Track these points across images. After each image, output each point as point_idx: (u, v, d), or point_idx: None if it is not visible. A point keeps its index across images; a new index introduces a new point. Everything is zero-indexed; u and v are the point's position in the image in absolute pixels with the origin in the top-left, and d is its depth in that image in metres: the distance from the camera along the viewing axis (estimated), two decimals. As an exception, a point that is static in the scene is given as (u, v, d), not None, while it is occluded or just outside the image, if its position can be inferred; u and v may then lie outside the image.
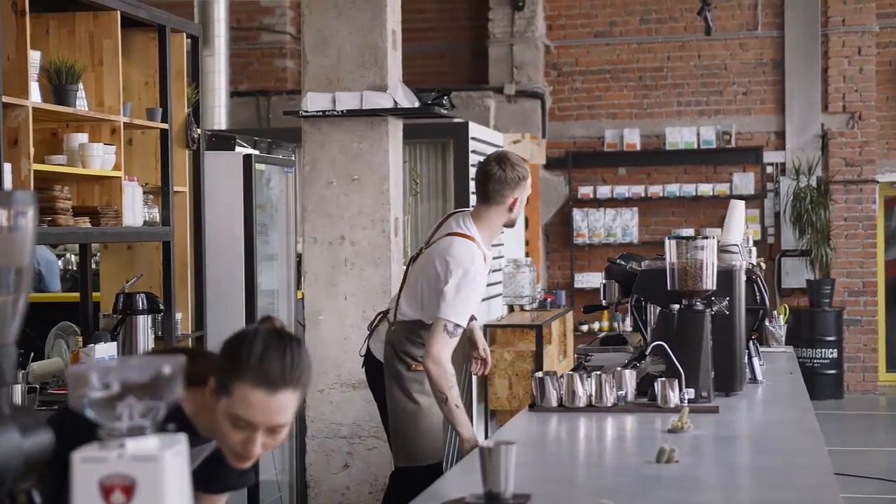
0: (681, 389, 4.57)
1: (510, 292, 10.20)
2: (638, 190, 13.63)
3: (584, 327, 13.37)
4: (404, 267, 7.86)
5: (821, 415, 12.13)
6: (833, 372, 13.09)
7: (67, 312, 6.23)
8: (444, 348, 4.77)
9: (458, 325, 4.80)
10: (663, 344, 4.69)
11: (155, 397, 1.93)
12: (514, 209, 5.04)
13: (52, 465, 2.09)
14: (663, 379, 4.57)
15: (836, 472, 9.01)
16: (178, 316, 6.13)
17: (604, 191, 13.70)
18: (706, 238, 4.83)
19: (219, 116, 11.03)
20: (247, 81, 14.27)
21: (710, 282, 4.78)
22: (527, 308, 10.69)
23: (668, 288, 4.80)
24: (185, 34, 6.23)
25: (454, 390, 4.81)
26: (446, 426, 5.15)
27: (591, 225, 13.76)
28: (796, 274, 13.39)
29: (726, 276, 4.95)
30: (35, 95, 4.93)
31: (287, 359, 2.65)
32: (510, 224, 5.12)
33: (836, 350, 13.06)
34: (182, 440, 1.95)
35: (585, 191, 13.75)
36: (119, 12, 5.50)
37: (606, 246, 13.48)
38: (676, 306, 4.77)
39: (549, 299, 11.18)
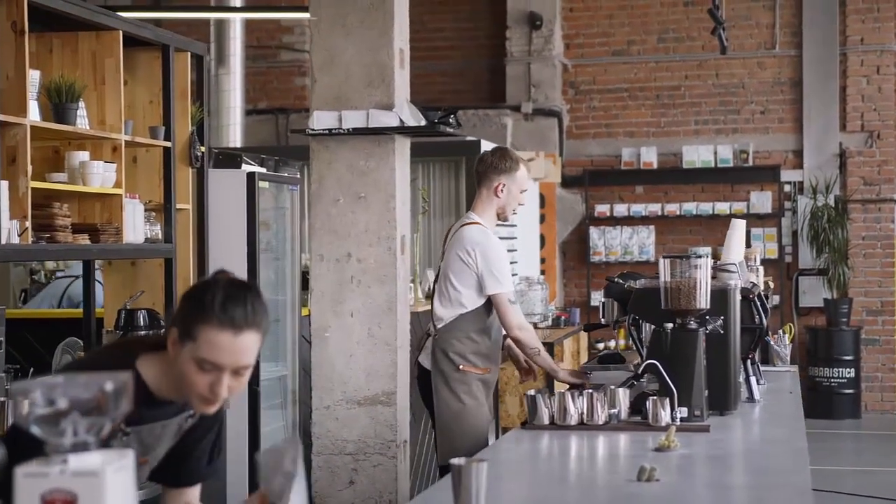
0: (672, 408, 4.57)
1: (522, 310, 10.18)
2: (655, 208, 13.62)
3: (601, 345, 13.33)
4: (411, 285, 7.95)
5: (837, 434, 12.19)
6: (850, 392, 13.03)
7: (76, 328, 6.30)
8: (516, 315, 5.49)
9: (512, 292, 5.48)
10: (656, 363, 4.69)
11: (100, 413, 1.95)
12: (500, 194, 5.52)
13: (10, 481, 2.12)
14: (654, 397, 4.58)
15: (850, 492, 8.97)
16: (181, 332, 6.17)
17: (620, 209, 13.69)
18: (699, 257, 4.84)
19: (234, 134, 11.11)
20: (266, 99, 14.36)
21: (703, 301, 4.78)
22: (540, 326, 10.69)
23: (662, 307, 4.81)
24: (189, 53, 6.28)
25: (539, 342, 5.58)
26: (489, 429, 5.50)
27: (607, 243, 13.76)
28: (814, 293, 13.34)
29: (721, 295, 4.96)
30: (34, 114, 4.98)
31: (248, 303, 2.76)
32: (502, 214, 5.58)
33: (853, 369, 13.01)
34: (128, 456, 1.98)
35: (602, 209, 13.75)
36: (121, 32, 5.56)
37: (623, 264, 13.46)
38: (670, 325, 4.78)
39: (562, 317, 11.17)
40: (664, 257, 4.86)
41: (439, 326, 5.53)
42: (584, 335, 11.43)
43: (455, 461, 3.01)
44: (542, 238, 13.18)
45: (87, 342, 6.05)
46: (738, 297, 5.11)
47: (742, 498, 3.45)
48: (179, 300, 2.83)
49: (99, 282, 7.54)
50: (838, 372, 12.98)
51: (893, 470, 10.56)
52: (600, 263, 13.74)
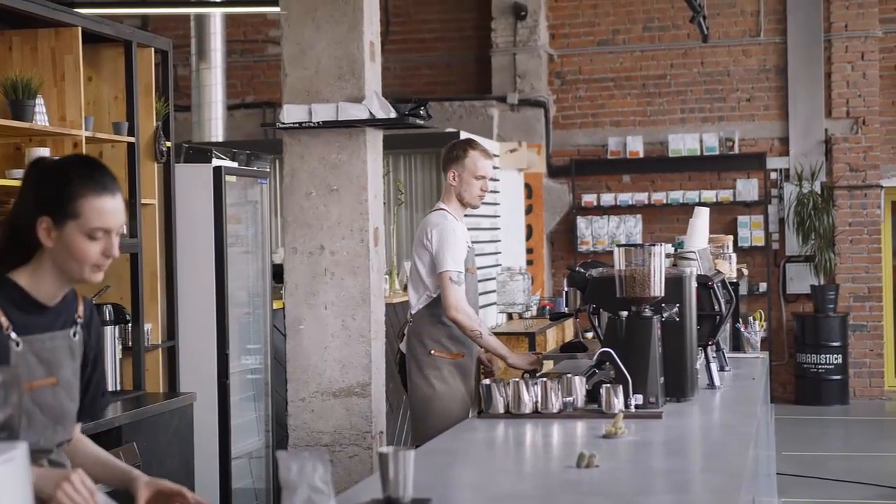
0: (627, 395, 4.59)
1: (503, 300, 10.24)
2: (641, 197, 13.64)
3: (589, 334, 13.34)
4: (386, 277, 7.99)
5: (826, 420, 12.22)
6: (838, 378, 13.06)
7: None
8: (456, 296, 5.48)
9: (458, 273, 5.51)
10: (610, 351, 4.72)
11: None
12: (454, 182, 5.73)
13: None
14: (608, 385, 4.60)
15: (837, 478, 8.96)
16: (149, 326, 6.21)
17: (607, 198, 13.71)
18: (654, 245, 4.86)
19: (215, 129, 11.12)
20: (253, 93, 14.39)
21: (657, 288, 4.81)
22: (525, 316, 10.72)
23: (617, 295, 4.84)
24: (153, 49, 6.31)
25: (483, 325, 5.59)
26: (462, 415, 5.55)
27: (594, 232, 13.78)
28: (801, 279, 13.37)
29: (676, 282, 4.98)
30: (-11, 111, 5.01)
31: (106, 171, 2.99)
32: (461, 200, 5.74)
33: (840, 355, 13.03)
34: (20, 447, 2.00)
35: (589, 198, 13.77)
36: (80, 28, 5.58)
37: (610, 253, 13.39)
38: (625, 313, 4.80)
39: (548, 307, 11.19)
40: (618, 246, 4.90)
41: (413, 312, 5.69)
42: (571, 324, 11.44)
43: (382, 449, 3.04)
44: (530, 228, 13.21)
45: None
46: (694, 284, 5.12)
47: (672, 481, 3.48)
48: (33, 192, 2.92)
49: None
50: (826, 358, 13.00)
51: (881, 455, 10.59)
52: (588, 253, 13.75)
